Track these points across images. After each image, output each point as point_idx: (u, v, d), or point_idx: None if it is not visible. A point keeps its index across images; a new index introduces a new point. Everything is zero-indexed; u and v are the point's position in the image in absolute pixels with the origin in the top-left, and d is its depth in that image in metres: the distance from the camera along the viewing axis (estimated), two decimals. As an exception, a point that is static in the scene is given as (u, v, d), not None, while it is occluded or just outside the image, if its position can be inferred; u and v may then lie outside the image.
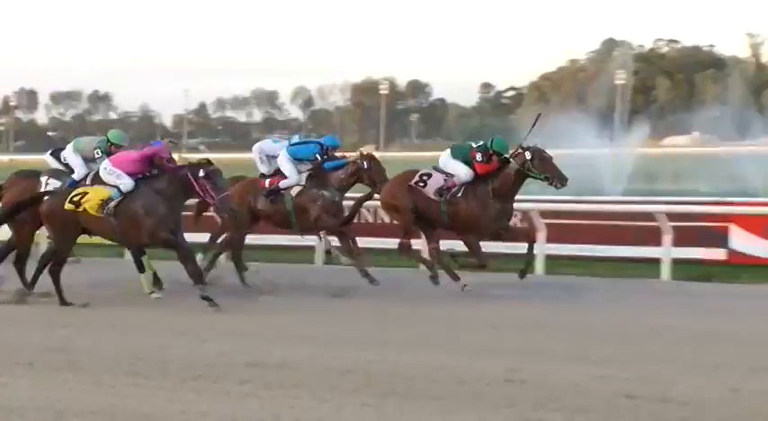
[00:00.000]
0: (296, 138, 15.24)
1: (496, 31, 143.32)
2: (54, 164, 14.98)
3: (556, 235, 15.85)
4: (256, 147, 15.19)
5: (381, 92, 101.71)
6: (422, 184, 13.66)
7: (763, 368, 8.69)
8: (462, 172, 13.51)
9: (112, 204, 12.35)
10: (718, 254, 16.17)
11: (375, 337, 10.32)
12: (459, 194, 13.46)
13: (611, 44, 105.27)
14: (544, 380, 8.06)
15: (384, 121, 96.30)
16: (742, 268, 15.50)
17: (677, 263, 15.32)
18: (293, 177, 14.09)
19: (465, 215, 13.43)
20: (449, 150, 13.92)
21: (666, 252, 14.94)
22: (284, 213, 14.14)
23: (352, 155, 14.65)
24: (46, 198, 13.05)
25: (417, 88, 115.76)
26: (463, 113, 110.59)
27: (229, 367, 8.57)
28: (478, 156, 13.38)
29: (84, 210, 12.40)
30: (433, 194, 13.55)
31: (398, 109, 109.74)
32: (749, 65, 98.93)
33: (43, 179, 14.45)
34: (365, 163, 13.99)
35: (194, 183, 12.24)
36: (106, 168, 12.84)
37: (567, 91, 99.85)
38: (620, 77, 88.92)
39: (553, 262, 15.85)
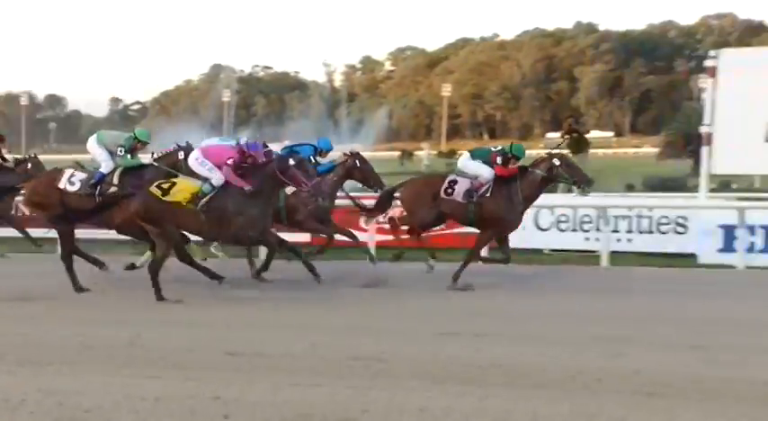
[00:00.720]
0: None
1: (124, 51, 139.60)
2: None
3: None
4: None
5: (22, 103, 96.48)
6: (450, 191, 12.09)
7: (340, 326, 8.93)
8: (486, 172, 12.02)
9: (205, 200, 10.49)
10: (304, 237, 16.43)
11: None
12: (488, 194, 11.96)
13: (217, 68, 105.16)
14: (159, 345, 7.90)
15: (25, 129, 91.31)
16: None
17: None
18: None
19: (492, 212, 11.92)
20: (467, 153, 12.49)
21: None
22: (277, 208, 12.19)
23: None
24: (133, 199, 10.82)
25: (55, 101, 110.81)
26: (95, 123, 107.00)
27: None
28: (499, 160, 12.00)
29: (177, 201, 10.45)
30: (462, 198, 12.02)
31: (38, 119, 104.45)
32: (325, 88, 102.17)
33: (66, 174, 11.95)
34: (356, 161, 12.70)
35: (282, 176, 10.52)
36: (198, 158, 10.92)
37: (184, 106, 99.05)
38: (226, 96, 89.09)
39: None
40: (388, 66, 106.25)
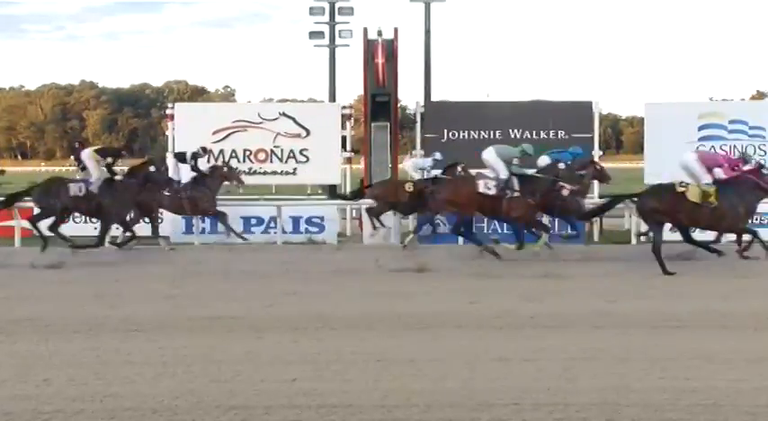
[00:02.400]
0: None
1: None
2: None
3: None
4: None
5: None
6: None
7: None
8: None
9: (712, 198, 9.12)
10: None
11: None
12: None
13: None
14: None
15: None
16: None
17: None
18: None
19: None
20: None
21: None
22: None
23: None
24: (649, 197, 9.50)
25: None
26: None
27: None
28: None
29: (687, 200, 9.12)
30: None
31: None
32: None
33: (481, 182, 10.45)
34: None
35: (762, 183, 9.48)
36: (696, 160, 9.84)
37: None
38: None
39: None
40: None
